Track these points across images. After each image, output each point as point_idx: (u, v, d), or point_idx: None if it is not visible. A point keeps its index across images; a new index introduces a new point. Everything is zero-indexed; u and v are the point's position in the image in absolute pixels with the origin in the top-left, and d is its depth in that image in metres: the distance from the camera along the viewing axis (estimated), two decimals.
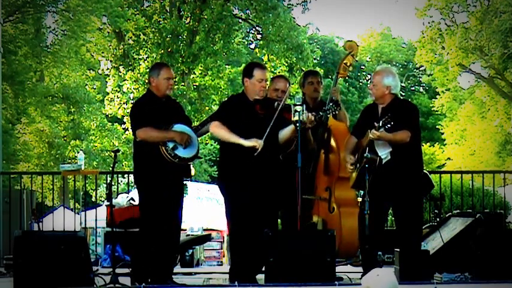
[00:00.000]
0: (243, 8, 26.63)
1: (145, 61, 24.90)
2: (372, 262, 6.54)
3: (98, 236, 13.86)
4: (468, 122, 34.04)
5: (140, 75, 24.83)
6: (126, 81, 25.70)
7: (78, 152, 24.69)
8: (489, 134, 32.31)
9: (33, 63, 26.61)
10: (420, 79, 45.50)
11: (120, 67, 26.43)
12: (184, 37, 25.66)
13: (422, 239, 7.46)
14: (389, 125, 6.38)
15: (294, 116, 6.53)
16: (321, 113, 6.89)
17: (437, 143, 37.85)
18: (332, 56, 41.07)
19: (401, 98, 7.50)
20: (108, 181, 7.09)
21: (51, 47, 26.97)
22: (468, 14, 29.06)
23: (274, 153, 6.69)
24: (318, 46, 35.17)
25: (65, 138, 29.43)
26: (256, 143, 6.48)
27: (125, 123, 26.66)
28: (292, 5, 27.41)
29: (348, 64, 7.67)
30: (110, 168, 7.36)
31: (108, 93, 27.33)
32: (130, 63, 25.66)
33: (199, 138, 7.05)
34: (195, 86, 26.72)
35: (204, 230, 16.35)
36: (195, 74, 26.43)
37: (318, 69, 24.53)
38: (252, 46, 33.27)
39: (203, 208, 19.55)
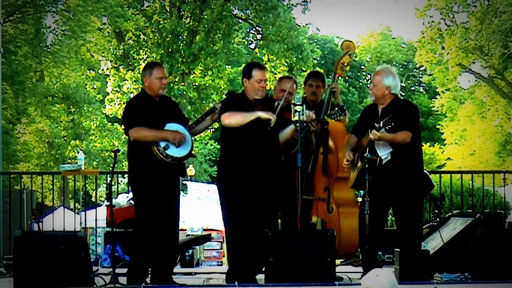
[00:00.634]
0: (243, 8, 26.63)
1: (145, 61, 24.90)
2: (372, 262, 6.54)
3: (98, 236, 13.86)
4: (468, 122, 34.05)
5: (140, 75, 24.85)
6: (126, 81, 25.70)
7: (78, 152, 24.71)
8: (489, 134, 32.32)
9: (33, 63, 26.62)
10: (420, 79, 45.51)
11: (120, 67, 26.43)
12: (184, 37, 25.66)
13: (422, 239, 7.46)
14: (389, 126, 6.38)
15: (293, 116, 6.53)
16: (325, 117, 6.90)
17: (437, 143, 37.86)
18: (332, 56, 41.08)
19: (402, 98, 7.48)
20: (108, 181, 7.08)
21: (51, 47, 26.97)
22: (468, 14, 29.07)
23: (275, 153, 6.68)
24: (318, 46, 35.18)
25: (65, 138, 29.44)
26: (272, 116, 6.49)
27: None
28: (292, 5, 27.42)
29: (346, 64, 7.67)
30: (110, 168, 7.36)
31: (108, 94, 27.34)
32: (130, 63, 25.66)
33: (195, 137, 7.00)
34: (195, 86, 26.73)
35: (204, 230, 16.37)
36: (195, 74, 26.43)
37: (317, 69, 24.57)
38: (252, 46, 33.27)
39: (203, 208, 19.54)
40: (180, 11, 25.90)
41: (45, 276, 6.16)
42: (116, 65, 26.57)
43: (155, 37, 25.72)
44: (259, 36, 28.67)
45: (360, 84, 45.95)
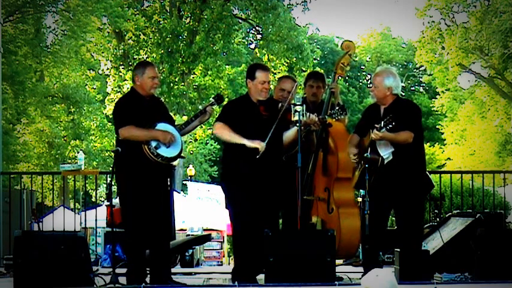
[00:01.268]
0: (243, 8, 26.64)
1: None
2: (373, 262, 6.54)
3: (98, 236, 13.88)
4: (468, 122, 34.06)
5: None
6: (126, 81, 25.71)
7: (78, 152, 24.74)
8: (489, 134, 32.33)
9: (33, 63, 26.62)
10: (420, 79, 45.53)
11: (120, 67, 26.45)
12: (184, 37, 25.67)
13: (423, 239, 7.45)
14: (390, 126, 6.37)
15: (294, 116, 6.53)
16: (326, 117, 6.90)
17: (437, 143, 37.88)
18: (332, 56, 41.09)
19: (403, 98, 7.47)
20: (108, 181, 7.08)
21: (51, 47, 26.98)
22: (468, 14, 29.07)
23: (277, 154, 6.68)
24: (318, 46, 35.23)
25: (65, 138, 29.45)
26: (259, 145, 6.48)
27: None
28: (292, 5, 27.43)
29: (345, 64, 7.65)
30: (110, 168, 7.33)
31: (108, 94, 27.35)
32: (130, 63, 25.67)
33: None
34: (195, 86, 26.74)
35: (204, 230, 16.40)
36: (195, 74, 26.44)
37: (317, 69, 24.57)
38: (252, 46, 33.28)
39: (203, 208, 19.58)
40: (180, 11, 25.92)
41: (45, 276, 6.16)
42: (116, 65, 26.59)
43: (155, 37, 25.74)
44: (259, 36, 28.68)
45: (360, 84, 45.96)
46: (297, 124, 6.52)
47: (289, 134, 6.74)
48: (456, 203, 12.72)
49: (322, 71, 19.19)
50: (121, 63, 26.42)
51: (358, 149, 6.77)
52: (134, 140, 6.48)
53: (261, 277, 6.56)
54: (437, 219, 11.73)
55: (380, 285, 4.05)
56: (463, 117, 34.38)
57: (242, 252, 6.68)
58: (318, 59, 32.00)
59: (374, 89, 6.79)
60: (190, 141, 28.21)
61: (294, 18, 26.98)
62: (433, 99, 38.13)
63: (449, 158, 35.66)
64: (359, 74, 46.81)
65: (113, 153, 7.02)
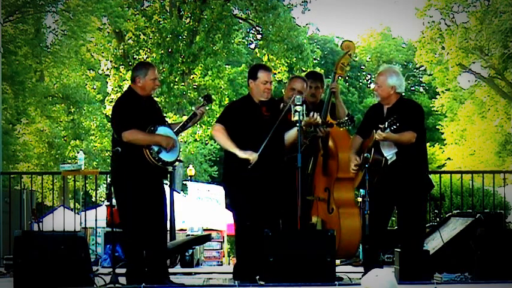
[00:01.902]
0: (243, 8, 26.65)
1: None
2: (373, 262, 6.54)
3: (98, 236, 13.88)
4: (468, 122, 34.06)
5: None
6: (126, 81, 25.70)
7: (78, 152, 24.74)
8: (489, 134, 32.33)
9: (33, 63, 26.62)
10: (420, 79, 45.54)
11: (120, 67, 26.45)
12: (184, 37, 25.67)
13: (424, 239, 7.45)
14: (394, 127, 6.37)
15: (294, 116, 6.52)
16: (335, 124, 6.91)
17: (437, 143, 37.88)
18: (332, 56, 41.10)
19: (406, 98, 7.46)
20: (108, 181, 7.08)
21: (51, 47, 26.98)
22: (468, 14, 29.07)
23: (278, 154, 6.68)
24: (318, 46, 35.20)
25: (65, 138, 29.45)
26: (251, 156, 6.48)
27: None
28: (292, 5, 27.43)
29: (345, 64, 7.66)
30: (110, 168, 7.34)
31: (108, 94, 27.35)
32: (130, 63, 25.67)
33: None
34: (195, 86, 26.74)
35: (204, 230, 16.40)
36: (195, 74, 26.44)
37: (318, 69, 24.58)
38: (252, 46, 33.30)
39: (203, 208, 19.58)
40: (180, 11, 25.92)
41: (45, 276, 6.16)
42: (116, 65, 26.59)
43: (155, 37, 25.74)
44: (259, 36, 28.69)
45: (360, 84, 45.97)
46: (297, 124, 6.52)
47: (291, 135, 6.73)
48: (456, 203, 12.73)
49: (322, 71, 19.20)
50: (121, 63, 26.42)
51: (360, 153, 6.75)
52: (136, 144, 6.48)
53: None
54: (437, 219, 11.74)
55: (380, 285, 4.05)
56: (463, 117, 34.38)
57: (244, 252, 6.68)
58: (318, 59, 31.98)
59: (378, 88, 6.78)
60: (190, 141, 28.22)
61: (294, 18, 26.99)
62: (433, 99, 38.14)
63: (449, 158, 35.66)
64: (359, 74, 46.82)
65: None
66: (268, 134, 6.50)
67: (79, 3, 24.40)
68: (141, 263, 6.54)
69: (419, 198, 6.72)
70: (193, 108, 7.16)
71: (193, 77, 26.57)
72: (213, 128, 6.82)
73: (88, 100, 28.80)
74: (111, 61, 26.86)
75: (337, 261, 8.13)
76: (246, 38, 32.11)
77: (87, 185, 21.12)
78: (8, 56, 23.02)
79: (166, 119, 7.24)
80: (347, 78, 42.10)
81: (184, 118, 7.11)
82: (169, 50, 25.39)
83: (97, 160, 29.00)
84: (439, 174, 11.18)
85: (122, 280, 6.50)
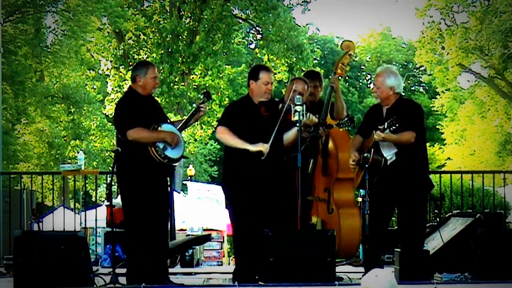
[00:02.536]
0: (243, 8, 26.66)
1: None
2: (373, 262, 6.54)
3: (98, 236, 13.87)
4: (468, 122, 34.06)
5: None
6: (126, 81, 25.71)
7: (78, 152, 24.70)
8: (489, 134, 32.33)
9: (33, 63, 26.63)
10: (420, 79, 45.53)
11: (120, 67, 26.45)
12: (184, 37, 25.68)
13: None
14: (394, 127, 6.37)
15: (293, 116, 6.53)
16: (334, 126, 6.91)
17: (437, 143, 37.88)
18: (332, 56, 41.10)
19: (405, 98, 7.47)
20: (108, 181, 7.08)
21: (51, 47, 26.99)
22: (468, 14, 29.08)
23: (278, 154, 6.68)
24: (318, 46, 35.21)
25: (65, 138, 29.45)
26: (263, 147, 6.48)
27: None
28: (292, 5, 27.45)
29: (345, 64, 7.66)
30: (110, 168, 7.33)
31: (108, 94, 27.35)
32: (130, 63, 25.68)
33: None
34: (195, 86, 26.75)
35: (204, 230, 16.39)
36: (195, 74, 26.45)
37: (318, 69, 24.57)
38: (252, 46, 33.30)
39: (203, 208, 19.57)
40: (180, 11, 25.93)
41: (45, 276, 6.16)
42: (116, 65, 26.60)
43: (155, 37, 25.75)
44: (259, 36, 28.69)
45: (360, 84, 45.97)
46: (297, 124, 6.52)
47: (290, 135, 6.73)
48: (456, 203, 12.72)
49: (322, 71, 19.20)
50: (121, 63, 26.43)
51: (360, 152, 6.75)
52: (142, 142, 6.48)
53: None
54: (437, 219, 11.73)
55: (380, 285, 4.05)
56: (463, 117, 34.38)
57: (243, 252, 6.68)
58: (318, 59, 31.99)
59: (376, 90, 6.79)
60: (190, 141, 28.22)
61: (294, 18, 27.00)
62: (433, 99, 38.13)
63: (449, 158, 35.67)
64: (359, 74, 46.82)
65: (113, 153, 7.02)
66: (269, 133, 6.50)
67: (79, 3, 24.40)
68: (142, 262, 6.54)
69: (419, 198, 6.72)
70: (194, 105, 7.15)
71: (193, 77, 26.58)
72: (218, 131, 6.79)
73: (88, 100, 28.80)
74: (111, 61, 26.87)
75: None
76: (246, 38, 32.11)
77: (87, 185, 21.14)
78: (8, 56, 23.03)
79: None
80: (347, 78, 42.07)
81: (185, 118, 7.10)
82: (169, 50, 25.40)
83: (97, 160, 29.00)
84: (439, 174, 11.17)
85: (122, 280, 6.50)
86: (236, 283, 6.33)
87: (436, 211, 12.79)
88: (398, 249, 6.72)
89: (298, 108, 6.50)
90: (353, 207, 7.24)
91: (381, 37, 47.24)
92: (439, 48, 30.59)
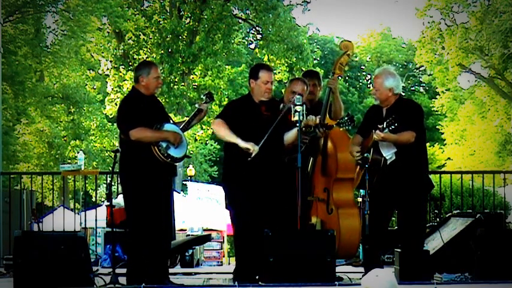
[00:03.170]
0: (243, 8, 26.65)
1: None
2: (373, 262, 6.54)
3: (98, 236, 13.87)
4: (468, 122, 34.07)
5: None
6: (126, 82, 25.72)
7: (78, 152, 24.73)
8: (489, 134, 32.33)
9: (33, 63, 26.63)
10: (420, 79, 45.53)
11: (120, 67, 26.45)
12: (184, 37, 25.68)
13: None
14: (393, 127, 6.38)
15: (293, 116, 6.53)
16: (334, 125, 6.91)
17: (437, 143, 37.88)
18: (332, 56, 41.08)
19: (405, 98, 7.47)
20: (108, 181, 7.08)
21: (51, 47, 26.99)
22: (468, 14, 29.08)
23: (278, 154, 6.68)
24: (318, 46, 35.26)
25: (65, 138, 29.45)
26: (252, 147, 6.49)
27: None
28: (292, 5, 27.43)
29: (344, 64, 7.65)
30: (110, 168, 7.33)
31: (108, 94, 27.35)
32: (130, 63, 25.68)
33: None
34: (195, 86, 26.75)
35: (204, 230, 16.38)
36: (195, 74, 26.45)
37: (318, 69, 24.57)
38: (252, 46, 33.29)
39: (203, 208, 19.55)
40: (180, 11, 25.92)
41: (45, 276, 6.15)
42: (116, 65, 26.60)
43: (155, 37, 25.74)
44: (259, 36, 28.69)
45: (360, 84, 45.97)
46: (297, 124, 6.52)
47: (290, 135, 6.73)
48: (456, 203, 12.72)
49: (321, 71, 19.20)
50: (121, 63, 26.42)
51: (361, 148, 6.76)
52: (145, 141, 6.49)
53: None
54: (437, 219, 11.73)
55: (380, 285, 4.05)
56: (463, 117, 34.39)
57: (243, 252, 6.68)
58: (318, 59, 32.00)
59: (376, 92, 6.79)
60: (190, 142, 28.23)
61: (294, 18, 26.99)
62: (433, 99, 38.14)
63: (449, 158, 35.67)
64: (359, 74, 46.82)
65: (112, 154, 7.02)
66: (267, 131, 6.50)
67: (79, 3, 24.41)
68: (142, 262, 6.55)
69: (420, 199, 6.72)
70: (196, 105, 7.14)
71: (193, 77, 26.58)
72: (213, 123, 6.83)
73: (88, 100, 28.80)
74: (111, 61, 26.86)
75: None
76: (246, 38, 32.11)
77: (87, 185, 21.13)
78: (8, 56, 23.04)
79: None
80: (347, 78, 42.11)
81: (187, 119, 7.11)
82: (169, 50, 25.40)
83: (97, 160, 29.00)
84: (439, 174, 11.18)
85: (122, 280, 6.50)
86: (236, 283, 6.32)
87: (436, 211, 12.79)
88: (398, 249, 6.72)
89: (298, 108, 6.49)
90: (352, 207, 7.23)
91: (381, 37, 47.23)
92: (439, 48, 30.58)
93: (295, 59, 26.03)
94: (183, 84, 25.83)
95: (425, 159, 6.90)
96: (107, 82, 27.86)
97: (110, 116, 27.97)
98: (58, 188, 25.15)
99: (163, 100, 24.72)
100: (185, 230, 15.70)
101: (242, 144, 6.51)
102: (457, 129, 35.19)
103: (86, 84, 30.55)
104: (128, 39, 26.28)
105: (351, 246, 7.16)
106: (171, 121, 6.88)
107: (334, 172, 7.19)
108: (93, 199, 19.10)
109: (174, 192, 10.08)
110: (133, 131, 6.49)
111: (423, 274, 6.54)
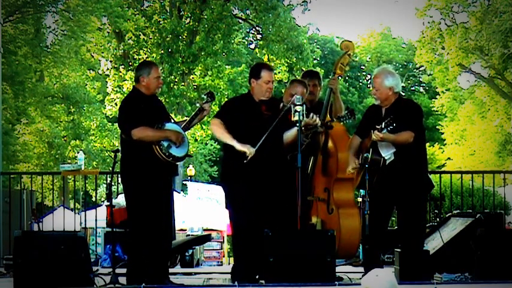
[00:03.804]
0: (243, 8, 26.66)
1: None
2: (373, 262, 6.55)
3: (98, 236, 13.86)
4: (468, 122, 34.06)
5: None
6: (126, 82, 25.72)
7: (78, 152, 24.74)
8: (489, 134, 32.33)
9: (33, 63, 26.63)
10: (420, 79, 45.52)
11: (120, 67, 26.45)
12: (184, 37, 25.68)
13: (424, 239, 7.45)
14: (391, 127, 6.38)
15: (293, 116, 6.52)
16: (335, 120, 6.91)
17: (437, 143, 37.88)
18: (332, 56, 41.08)
19: (405, 98, 7.47)
20: (108, 181, 7.08)
21: (51, 47, 26.99)
22: (468, 14, 29.08)
23: (278, 154, 6.68)
24: (318, 46, 35.23)
25: (65, 138, 29.46)
26: (248, 150, 6.48)
27: None
28: (292, 5, 27.42)
29: (345, 64, 7.66)
30: (110, 168, 7.33)
31: (108, 94, 27.35)
32: (130, 63, 25.67)
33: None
34: (195, 86, 26.75)
35: (204, 230, 16.38)
36: (195, 74, 26.45)
37: (318, 69, 24.58)
38: (252, 46, 33.29)
39: (203, 208, 19.55)
40: (180, 11, 25.93)
41: (45, 276, 6.15)
42: (116, 65, 26.60)
43: (155, 37, 25.74)
44: (259, 36, 28.69)
45: (360, 84, 45.96)
46: (297, 124, 6.51)
47: (290, 134, 6.72)
48: (456, 203, 12.73)
49: (322, 71, 19.21)
50: (121, 63, 26.42)
51: (359, 154, 6.75)
52: (146, 141, 6.49)
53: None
54: (437, 219, 11.74)
55: (380, 285, 4.05)
56: (463, 117, 34.39)
57: (242, 252, 6.68)
58: (318, 59, 31.99)
59: (376, 92, 6.79)
60: (190, 142, 28.22)
61: (294, 18, 26.98)
62: (433, 99, 38.13)
63: (449, 158, 35.67)
64: (359, 74, 46.81)
65: (112, 153, 7.02)
66: (267, 131, 6.50)
67: (79, 3, 24.40)
68: (143, 262, 6.55)
69: (419, 199, 6.72)
70: (198, 104, 7.14)
71: (193, 77, 26.58)
72: (211, 122, 6.84)
73: (88, 100, 28.80)
74: (111, 61, 26.87)
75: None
76: (246, 38, 32.12)
77: (87, 185, 21.11)
78: (8, 56, 23.04)
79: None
80: (347, 78, 42.08)
81: (188, 118, 7.11)
82: (169, 50, 25.40)
83: (97, 160, 28.99)
84: (439, 174, 11.18)
85: (122, 280, 6.50)
86: (236, 283, 6.32)
87: (436, 211, 12.80)
88: (398, 249, 6.72)
89: (298, 108, 6.49)
90: (353, 207, 7.23)
91: (381, 37, 47.23)
92: (439, 48, 30.59)
93: (295, 59, 26.03)
94: (183, 84, 25.83)
95: (425, 159, 6.90)
96: (107, 82, 27.85)
97: (110, 116, 27.97)
98: (58, 188, 25.14)
99: (164, 100, 24.71)
100: (185, 230, 15.70)
101: (238, 147, 6.50)
102: (457, 129, 35.19)
103: (86, 84, 30.56)
104: (128, 39, 26.28)
105: (351, 246, 7.16)
106: (172, 120, 6.89)
107: (334, 172, 7.19)
108: (93, 199, 19.11)
109: (174, 192, 10.10)
110: (135, 130, 6.50)
111: (423, 274, 6.54)
